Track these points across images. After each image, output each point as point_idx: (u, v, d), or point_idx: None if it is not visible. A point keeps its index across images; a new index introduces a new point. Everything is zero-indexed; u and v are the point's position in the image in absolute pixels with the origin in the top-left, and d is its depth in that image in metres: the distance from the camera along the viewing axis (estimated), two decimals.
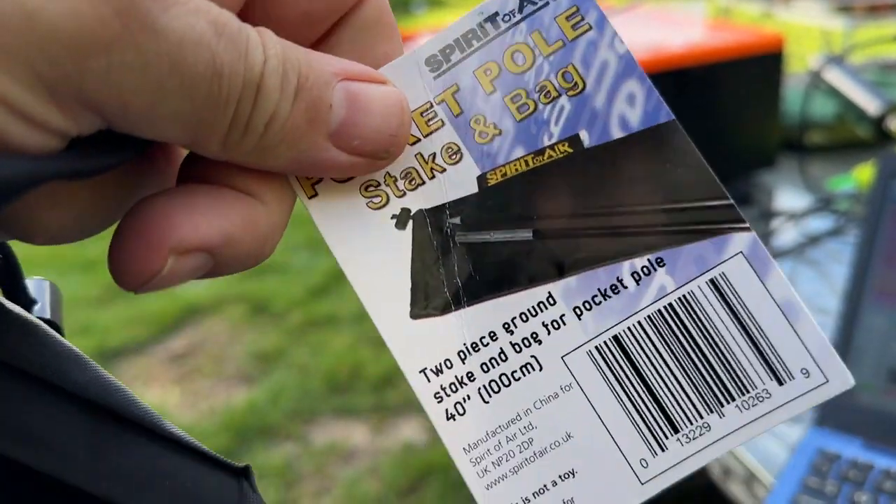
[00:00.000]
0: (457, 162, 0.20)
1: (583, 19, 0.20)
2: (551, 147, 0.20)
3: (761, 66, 0.96)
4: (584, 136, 0.20)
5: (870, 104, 0.97)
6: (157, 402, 1.75)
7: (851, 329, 0.58)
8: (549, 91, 0.20)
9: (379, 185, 0.20)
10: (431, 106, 0.20)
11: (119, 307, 2.07)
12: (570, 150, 0.20)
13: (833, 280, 0.77)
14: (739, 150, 0.99)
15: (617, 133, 0.20)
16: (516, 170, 0.20)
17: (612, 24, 0.20)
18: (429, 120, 0.20)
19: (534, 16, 0.20)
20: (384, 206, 0.20)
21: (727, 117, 0.97)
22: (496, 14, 0.20)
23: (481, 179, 0.20)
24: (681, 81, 0.94)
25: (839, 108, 1.05)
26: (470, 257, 0.20)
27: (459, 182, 0.20)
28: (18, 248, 0.24)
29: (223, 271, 0.19)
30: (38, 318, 0.23)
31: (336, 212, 0.20)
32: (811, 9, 1.98)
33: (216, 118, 0.16)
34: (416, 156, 0.20)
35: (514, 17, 0.20)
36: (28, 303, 0.25)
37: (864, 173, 0.91)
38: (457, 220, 0.20)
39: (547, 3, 0.20)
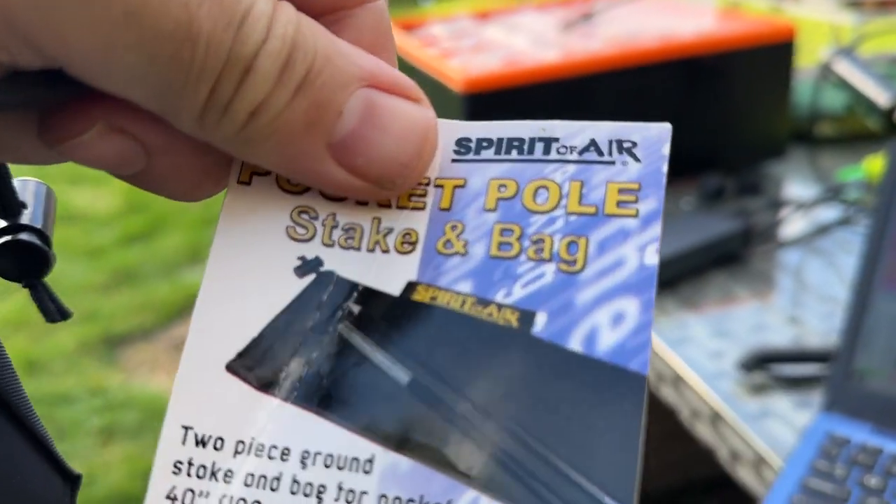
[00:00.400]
0: (404, 253, 0.17)
1: (635, 201, 0.16)
2: (499, 307, 0.16)
3: (772, 56, 0.96)
4: (540, 321, 0.16)
5: (880, 96, 0.97)
6: (162, 390, 1.75)
7: (861, 315, 0.58)
8: (543, 249, 0.16)
9: (316, 217, 0.17)
10: (428, 184, 0.17)
11: (125, 294, 2.07)
12: (515, 325, 0.16)
13: (841, 269, 0.77)
14: (749, 139, 0.99)
15: (575, 344, 0.16)
16: (448, 303, 0.16)
17: (661, 205, 0.16)
18: (415, 195, 0.17)
19: (589, 165, 0.17)
20: (303, 241, 0.17)
21: (737, 106, 0.97)
22: (555, 140, 0.17)
23: (409, 288, 0.17)
24: (691, 70, 0.94)
25: (849, 100, 1.05)
26: (335, 358, 0.16)
27: (390, 274, 0.17)
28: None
29: (153, 183, 0.17)
30: (25, 224, 0.22)
31: (252, 212, 0.17)
32: (821, 4, 1.98)
33: (186, 89, 0.14)
34: (373, 219, 0.17)
35: (571, 154, 0.17)
36: (16, 206, 0.23)
37: (873, 164, 0.91)
38: (356, 309, 0.17)
39: (612, 163, 0.17)
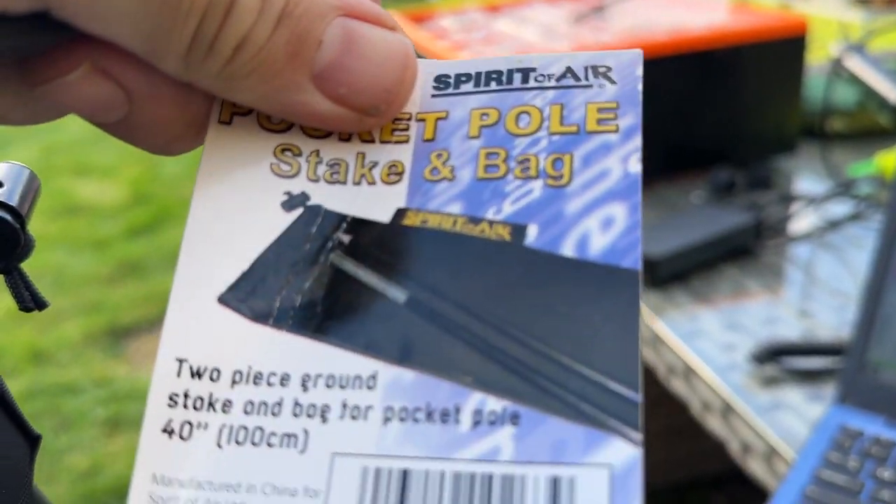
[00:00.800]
0: (392, 183, 0.17)
1: (615, 118, 0.17)
2: (490, 223, 0.16)
3: (784, 51, 0.96)
4: (532, 233, 0.16)
5: (891, 92, 0.97)
6: None
7: (875, 308, 0.58)
8: (529, 167, 0.17)
9: (299, 154, 0.17)
10: (410, 118, 0.18)
11: (130, 286, 2.07)
12: (508, 239, 0.16)
13: (852, 265, 0.77)
14: (760, 133, 0.99)
15: (568, 250, 0.16)
16: (440, 224, 0.17)
17: (639, 120, 0.17)
18: (397, 129, 0.18)
19: (568, 90, 0.17)
20: (288, 177, 0.17)
21: (748, 100, 0.97)
22: (532, 70, 0.18)
23: (399, 214, 0.17)
24: (703, 64, 0.93)
25: (860, 95, 1.05)
26: (328, 284, 0.16)
27: (379, 204, 0.17)
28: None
29: (133, 133, 0.17)
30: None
31: (234, 151, 0.17)
32: (829, 1, 1.97)
33: (173, 30, 0.14)
34: (357, 153, 0.17)
35: (548, 81, 0.18)
36: None
37: (885, 160, 0.91)
38: (346, 239, 0.17)
39: (590, 85, 0.17)
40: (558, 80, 0.18)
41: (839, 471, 0.51)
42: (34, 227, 0.22)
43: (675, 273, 0.76)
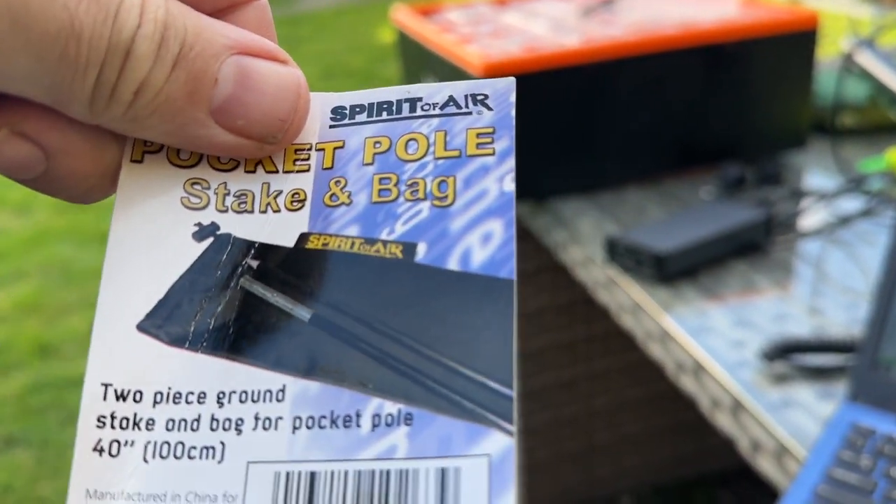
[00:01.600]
0: (295, 210, 0.19)
1: (491, 142, 0.19)
2: (384, 243, 0.18)
3: (794, 45, 0.95)
4: (421, 250, 0.18)
5: None
6: None
7: (887, 305, 0.57)
8: (418, 190, 0.19)
9: (208, 187, 0.19)
10: (310, 149, 0.19)
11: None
12: (400, 256, 0.18)
13: (863, 261, 0.76)
14: (770, 129, 0.98)
15: (453, 264, 0.18)
16: (339, 246, 0.18)
17: (513, 143, 0.19)
18: (299, 160, 0.19)
19: (450, 118, 0.19)
20: (198, 209, 0.18)
21: (758, 95, 0.96)
22: (419, 100, 0.19)
23: (302, 238, 0.18)
24: (712, 58, 0.93)
25: (871, 91, 1.04)
26: (239, 307, 0.18)
27: (284, 231, 0.18)
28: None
29: (53, 185, 0.18)
30: None
31: (146, 187, 0.18)
32: None
33: (74, 81, 0.16)
34: (263, 184, 0.19)
35: (433, 110, 0.19)
36: None
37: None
38: (254, 264, 0.18)
39: (469, 113, 0.19)
40: (442, 108, 0.19)
41: (851, 470, 0.51)
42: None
43: (683, 269, 0.75)
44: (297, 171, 0.19)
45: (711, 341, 0.66)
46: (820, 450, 0.52)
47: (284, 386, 0.17)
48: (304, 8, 5.48)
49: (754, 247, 0.79)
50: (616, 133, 0.93)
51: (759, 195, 0.88)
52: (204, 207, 0.19)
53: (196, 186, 0.19)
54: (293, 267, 0.18)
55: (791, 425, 0.56)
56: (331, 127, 0.19)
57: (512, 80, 0.19)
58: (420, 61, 1.11)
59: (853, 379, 0.56)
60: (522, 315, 1.19)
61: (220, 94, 0.17)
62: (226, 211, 0.19)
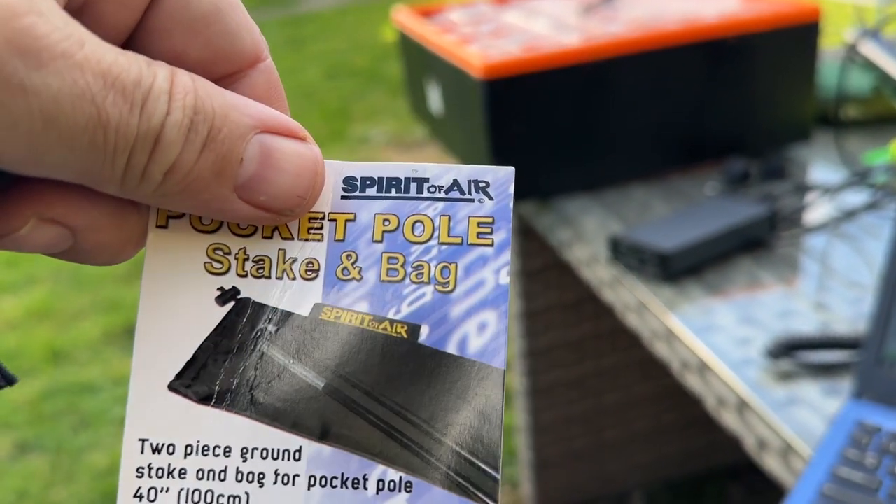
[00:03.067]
0: (309, 279, 0.20)
1: (490, 233, 0.20)
2: (391, 322, 0.20)
3: (797, 38, 0.95)
4: (424, 332, 0.20)
5: None
6: None
7: (892, 300, 0.57)
8: (423, 274, 0.20)
9: (229, 253, 0.20)
10: (323, 218, 0.20)
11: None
12: (405, 336, 0.20)
13: (869, 255, 0.76)
14: (774, 123, 0.98)
15: (452, 348, 0.20)
16: (350, 320, 0.20)
17: (509, 235, 0.20)
18: (312, 228, 0.20)
19: (454, 203, 0.21)
20: (220, 274, 0.20)
21: (762, 89, 0.96)
22: (426, 180, 0.21)
23: (316, 308, 0.20)
24: (715, 53, 0.92)
25: (875, 82, 1.03)
26: (259, 369, 0.20)
27: (299, 298, 0.20)
28: None
29: (81, 257, 0.19)
30: None
31: (172, 252, 0.20)
32: None
33: (104, 167, 0.16)
34: (279, 250, 0.20)
35: (439, 192, 0.21)
36: None
37: None
38: (272, 329, 0.20)
39: (472, 200, 0.21)
40: (447, 191, 0.21)
41: (856, 468, 0.51)
42: None
43: (688, 267, 0.75)
44: (311, 240, 0.20)
45: (716, 339, 0.66)
46: (825, 448, 0.52)
47: (301, 447, 0.19)
48: (307, 8, 5.48)
49: (759, 242, 0.79)
50: (619, 130, 0.93)
51: (764, 190, 0.88)
52: (226, 272, 0.20)
53: (218, 252, 0.20)
54: (308, 336, 0.20)
55: (796, 423, 0.56)
56: (342, 197, 0.21)
57: (511, 169, 0.21)
58: (422, 63, 1.11)
59: (858, 376, 0.56)
60: (529, 313, 1.19)
61: (244, 172, 0.18)
62: (245, 276, 0.20)
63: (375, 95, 3.46)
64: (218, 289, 0.20)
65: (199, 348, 0.20)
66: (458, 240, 0.20)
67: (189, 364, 0.20)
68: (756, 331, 0.66)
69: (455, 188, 0.21)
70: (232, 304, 0.20)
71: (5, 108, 0.15)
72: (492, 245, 0.20)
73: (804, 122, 0.98)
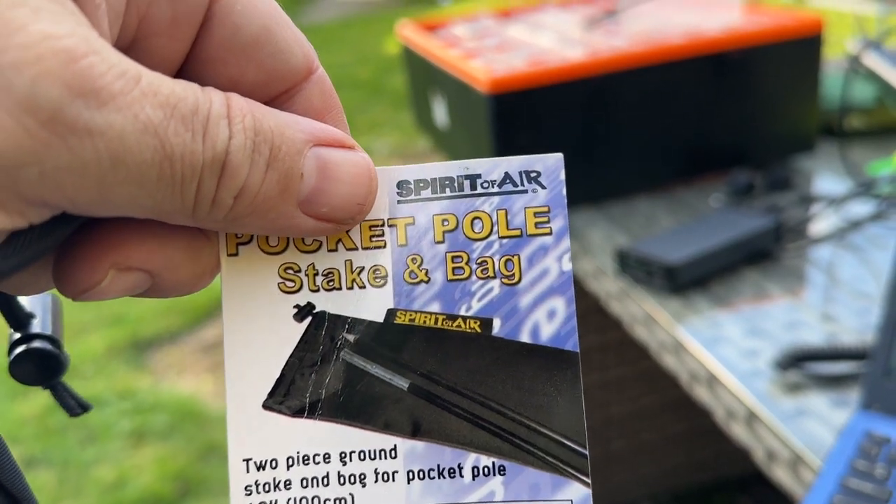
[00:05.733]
0: (378, 286, 0.21)
1: (548, 222, 0.21)
2: (464, 319, 0.21)
3: (800, 50, 0.95)
4: (497, 325, 0.21)
5: None
6: (190, 392, 1.77)
7: None
8: (487, 269, 0.21)
9: (299, 271, 0.21)
10: (383, 224, 0.21)
11: (152, 298, 2.09)
12: (479, 331, 0.21)
13: (874, 265, 0.76)
14: (778, 134, 0.98)
15: (525, 337, 0.21)
16: (424, 322, 0.21)
17: (567, 221, 0.21)
18: (374, 236, 0.21)
19: (509, 196, 0.21)
20: (294, 292, 0.21)
21: (765, 101, 0.96)
22: (478, 176, 0.21)
23: (390, 314, 0.21)
24: (718, 66, 0.93)
25: (878, 92, 1.04)
26: (344, 377, 0.21)
27: (371, 305, 0.21)
28: None
29: (161, 294, 0.20)
30: (36, 333, 0.24)
31: (247, 278, 0.21)
32: None
33: (174, 198, 0.17)
34: (345, 261, 0.21)
35: (492, 188, 0.21)
36: (24, 318, 0.25)
37: None
38: (350, 338, 0.21)
39: (525, 191, 0.21)
40: (500, 185, 0.21)
41: (866, 479, 0.51)
42: None
43: (695, 279, 0.75)
44: (375, 247, 0.21)
45: (725, 351, 0.66)
46: (834, 459, 0.53)
47: (395, 445, 0.20)
48: (311, 20, 5.51)
49: (765, 254, 0.79)
50: (624, 143, 0.93)
51: (769, 201, 0.89)
52: (299, 290, 0.21)
53: (289, 271, 0.21)
54: (386, 341, 0.21)
55: (805, 434, 0.57)
56: (399, 202, 0.21)
57: (559, 156, 0.21)
58: (426, 77, 1.12)
59: (866, 387, 0.56)
60: None
61: (305, 187, 0.18)
62: (318, 290, 0.21)
63: (379, 108, 3.48)
64: (294, 306, 0.21)
65: (286, 365, 0.21)
66: (518, 232, 0.21)
67: (279, 382, 0.21)
68: (763, 342, 0.67)
69: (507, 181, 0.21)
70: (309, 318, 0.21)
71: (74, 152, 0.15)
72: (550, 233, 0.21)
73: (808, 134, 0.99)
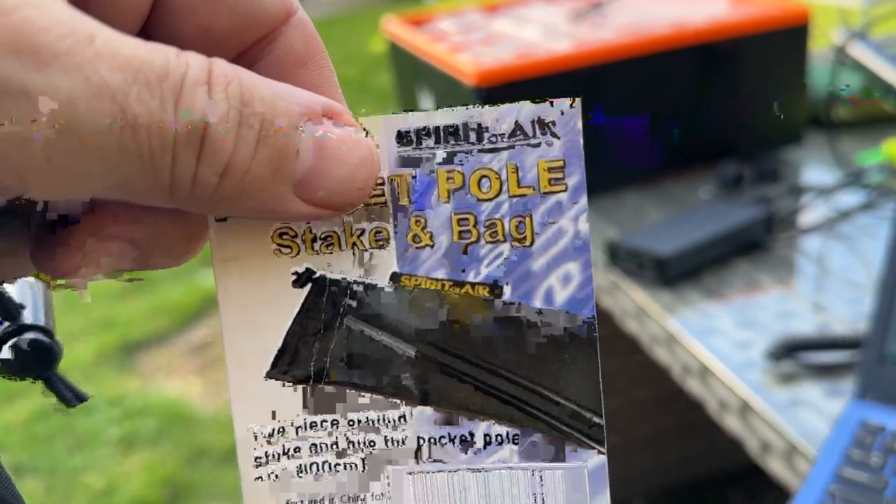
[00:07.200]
0: (380, 247, 0.19)
1: (563, 177, 0.19)
2: (472, 285, 0.20)
3: (786, 40, 0.95)
4: (507, 291, 0.20)
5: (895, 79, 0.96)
6: (179, 395, 1.75)
7: (891, 299, 0.57)
8: (497, 231, 0.19)
9: (295, 236, 0.19)
10: (383, 183, 0.19)
11: (141, 300, 2.07)
12: (488, 296, 0.20)
13: (864, 255, 0.76)
14: (766, 125, 0.98)
15: (538, 303, 0.20)
16: (430, 287, 0.20)
17: (584, 177, 0.19)
18: (374, 194, 0.19)
19: (519, 148, 0.19)
20: (291, 257, 0.19)
21: (753, 92, 0.96)
22: (485, 129, 0.19)
23: (395, 277, 0.20)
24: (705, 57, 0.92)
25: (864, 82, 1.04)
26: (349, 343, 0.20)
27: (374, 269, 0.20)
28: None
29: (150, 264, 0.18)
30: (28, 324, 0.23)
31: (239, 245, 0.19)
32: None
33: (144, 174, 0.15)
34: (344, 223, 0.19)
35: (501, 141, 0.19)
36: (15, 309, 0.24)
37: (893, 147, 0.90)
38: (353, 303, 0.20)
39: (539, 143, 0.19)
40: (509, 137, 0.19)
41: (862, 468, 0.50)
42: None
43: (686, 270, 0.75)
44: (374, 204, 0.19)
45: (717, 343, 0.66)
46: (829, 449, 0.52)
47: (404, 413, 0.20)
48: None
49: (756, 245, 0.79)
50: (612, 136, 0.93)
51: (758, 193, 0.88)
52: (296, 255, 0.19)
53: (284, 236, 0.19)
54: (391, 306, 0.20)
55: (800, 425, 0.56)
56: (399, 155, 0.19)
57: (577, 102, 0.19)
58: (413, 72, 1.11)
59: (860, 375, 0.56)
60: None
61: (301, 166, 0.16)
62: (317, 254, 0.19)
63: (365, 106, 3.45)
64: (293, 272, 0.19)
65: (288, 333, 0.20)
66: (530, 189, 0.19)
67: (281, 351, 0.20)
68: (756, 333, 0.66)
69: (518, 132, 0.19)
70: (309, 285, 0.20)
71: (8, 116, 0.13)
72: (566, 190, 0.19)
73: (796, 125, 0.98)
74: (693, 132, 0.96)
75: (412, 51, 1.08)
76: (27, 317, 0.24)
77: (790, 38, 0.95)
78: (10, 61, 0.13)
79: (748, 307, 0.70)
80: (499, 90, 0.87)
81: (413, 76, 1.12)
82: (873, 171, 0.88)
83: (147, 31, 0.17)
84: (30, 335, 0.24)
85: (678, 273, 0.74)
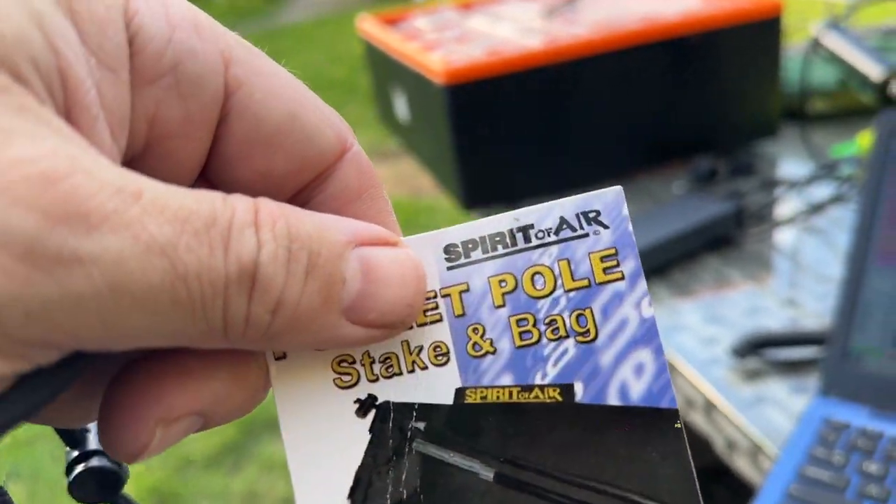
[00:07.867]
0: (441, 364, 0.19)
1: (617, 265, 0.18)
2: (541, 388, 0.18)
3: (759, 33, 0.94)
4: (579, 390, 0.18)
5: (872, 70, 0.95)
6: None
7: (856, 293, 0.56)
8: (558, 328, 0.19)
9: (354, 362, 0.19)
10: (436, 296, 0.19)
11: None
12: (560, 399, 0.18)
13: (838, 247, 0.75)
14: (740, 119, 0.97)
15: (613, 400, 0.18)
16: (498, 397, 0.19)
17: (639, 263, 0.19)
18: (428, 310, 0.19)
19: (568, 242, 0.19)
20: (352, 386, 0.19)
21: (726, 86, 0.95)
22: (531, 227, 0.19)
23: (459, 393, 0.19)
24: (677, 51, 0.92)
25: (841, 74, 1.03)
26: (421, 470, 0.19)
27: (437, 387, 0.19)
28: None
29: (215, 425, 0.18)
30: (93, 450, 0.23)
31: (299, 379, 0.19)
32: None
33: (197, 321, 0.15)
34: (402, 342, 0.19)
35: (549, 236, 0.19)
36: (80, 434, 0.24)
37: (867, 139, 0.89)
38: (420, 426, 0.19)
39: (586, 235, 0.19)
40: (556, 232, 0.19)
41: (824, 467, 0.50)
42: None
43: (654, 267, 0.74)
44: (431, 322, 0.19)
45: (683, 340, 0.65)
46: (792, 447, 0.51)
47: None
48: (284, 21, 5.48)
49: (726, 240, 0.78)
50: (585, 132, 0.92)
51: (732, 187, 0.87)
52: (356, 383, 0.19)
53: (343, 364, 0.19)
54: (459, 424, 0.19)
55: (764, 422, 0.55)
56: (448, 269, 0.19)
57: (618, 189, 0.19)
58: (387, 71, 1.10)
59: (824, 372, 0.55)
60: None
61: (349, 293, 0.16)
62: (377, 380, 0.19)
63: (353, 106, 3.45)
64: (355, 401, 0.19)
65: (360, 467, 0.19)
66: (585, 282, 0.19)
67: (355, 485, 0.19)
68: (723, 329, 0.65)
69: (565, 227, 0.19)
70: (373, 412, 0.19)
71: (63, 284, 0.13)
72: (623, 278, 0.18)
73: (771, 118, 0.98)
74: (667, 127, 0.95)
75: (385, 49, 1.07)
76: (92, 441, 0.24)
77: (763, 31, 0.94)
78: (61, 229, 0.13)
79: (716, 303, 0.69)
80: (468, 88, 0.86)
81: (387, 75, 1.11)
82: (847, 164, 0.87)
83: (206, 177, 0.18)
84: (96, 462, 0.24)
85: (645, 270, 0.74)
